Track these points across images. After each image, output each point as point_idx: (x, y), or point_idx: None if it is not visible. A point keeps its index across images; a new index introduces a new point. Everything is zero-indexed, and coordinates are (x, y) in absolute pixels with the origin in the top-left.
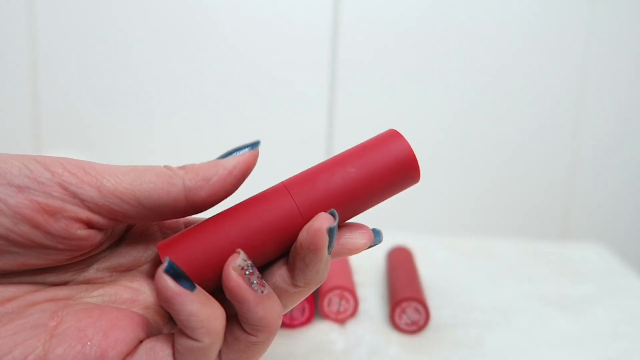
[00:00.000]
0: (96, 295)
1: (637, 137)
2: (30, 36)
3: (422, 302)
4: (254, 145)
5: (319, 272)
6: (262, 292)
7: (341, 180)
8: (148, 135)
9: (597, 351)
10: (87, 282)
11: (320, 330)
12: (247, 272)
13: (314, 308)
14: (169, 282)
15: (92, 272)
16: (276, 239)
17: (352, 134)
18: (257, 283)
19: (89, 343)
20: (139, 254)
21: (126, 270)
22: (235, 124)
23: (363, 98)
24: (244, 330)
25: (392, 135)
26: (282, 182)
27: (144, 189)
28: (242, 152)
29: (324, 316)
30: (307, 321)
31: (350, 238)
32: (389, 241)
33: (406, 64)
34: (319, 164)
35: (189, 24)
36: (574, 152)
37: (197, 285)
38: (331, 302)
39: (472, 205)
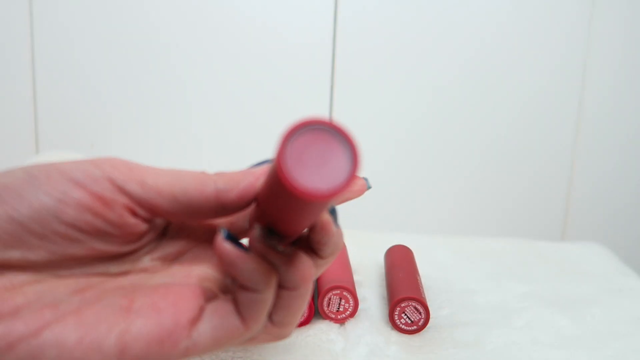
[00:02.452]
0: (156, 278)
1: (637, 137)
2: (30, 36)
3: (422, 302)
4: None
5: (338, 243)
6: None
7: None
8: (147, 135)
9: (596, 351)
10: (145, 271)
11: (320, 330)
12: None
13: (313, 308)
14: (229, 247)
15: (146, 262)
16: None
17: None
18: (281, 245)
19: (163, 314)
20: (182, 245)
21: (174, 259)
22: (235, 124)
23: (363, 98)
24: (285, 287)
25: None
26: None
27: (180, 187)
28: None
29: (324, 316)
30: (306, 321)
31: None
32: (389, 241)
33: (406, 63)
34: None
35: (189, 23)
36: (574, 152)
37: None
38: (331, 301)
39: (472, 205)
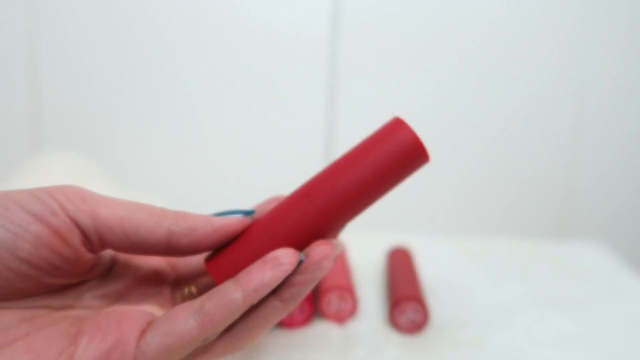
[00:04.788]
0: (102, 313)
1: (637, 137)
2: (31, 36)
3: (422, 302)
4: (248, 213)
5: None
6: None
7: (353, 180)
8: (147, 136)
9: (596, 351)
10: (88, 307)
11: (320, 330)
12: None
13: (313, 308)
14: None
15: (88, 299)
16: (304, 239)
17: (352, 134)
18: None
19: (108, 330)
20: (127, 284)
21: (119, 297)
22: (235, 124)
23: (363, 98)
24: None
25: (396, 125)
26: (302, 188)
27: (132, 224)
28: (234, 216)
29: (324, 316)
30: (306, 321)
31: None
32: (389, 241)
33: (406, 61)
34: (332, 164)
35: (188, 24)
36: (574, 152)
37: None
38: (331, 301)
39: (472, 205)
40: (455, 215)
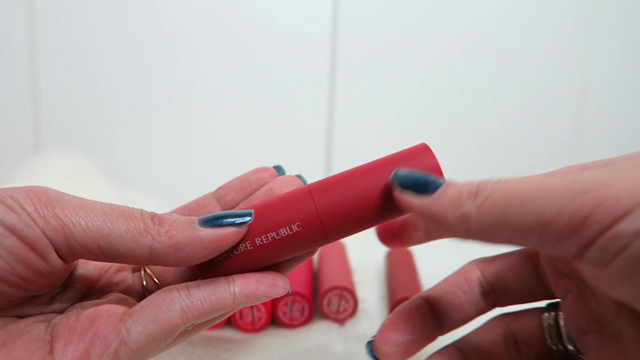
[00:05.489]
0: (72, 315)
1: (636, 135)
2: (30, 36)
3: None
4: (245, 219)
5: None
6: None
7: (363, 189)
8: (147, 136)
9: None
10: (57, 311)
11: (320, 330)
12: None
13: (313, 308)
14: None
15: (56, 303)
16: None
17: (351, 134)
18: None
19: (82, 331)
20: (90, 278)
21: (85, 294)
22: (235, 122)
23: (363, 97)
24: None
25: (422, 150)
26: (306, 187)
27: (108, 242)
28: (227, 227)
29: (324, 316)
30: (306, 321)
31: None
32: None
33: (407, 59)
34: (345, 172)
35: (188, 25)
36: (574, 152)
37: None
38: (331, 302)
39: None
40: None
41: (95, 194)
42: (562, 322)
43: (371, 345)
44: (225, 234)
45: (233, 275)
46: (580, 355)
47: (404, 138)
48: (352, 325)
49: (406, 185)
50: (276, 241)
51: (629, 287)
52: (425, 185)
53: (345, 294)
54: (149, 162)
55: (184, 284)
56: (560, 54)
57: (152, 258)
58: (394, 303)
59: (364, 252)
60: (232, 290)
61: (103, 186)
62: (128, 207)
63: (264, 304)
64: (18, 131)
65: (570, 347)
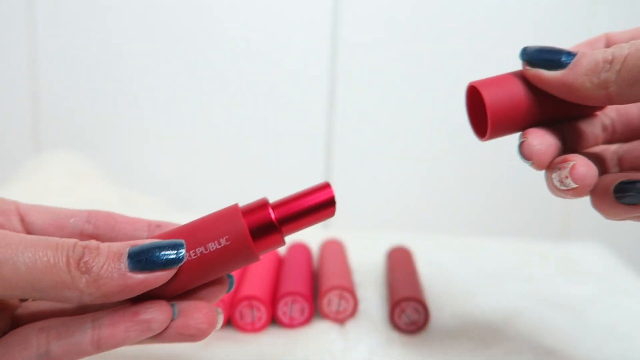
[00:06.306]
0: None
1: None
2: (30, 37)
3: (422, 302)
4: (177, 259)
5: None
6: None
7: None
8: (147, 137)
9: (597, 351)
10: None
11: (320, 330)
12: None
13: (313, 308)
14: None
15: None
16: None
17: (351, 134)
18: None
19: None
20: None
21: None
22: (235, 124)
23: (364, 98)
24: None
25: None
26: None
27: (36, 296)
28: (157, 272)
29: (324, 316)
30: (306, 321)
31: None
32: (389, 241)
33: (406, 64)
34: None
35: (188, 24)
36: None
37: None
38: (330, 302)
39: (472, 205)
40: (455, 216)
41: (95, 194)
42: None
43: (520, 147)
44: (156, 278)
45: (101, 320)
46: None
47: (404, 138)
48: (352, 325)
49: (537, 61)
50: (205, 256)
51: None
52: (557, 59)
53: (345, 294)
54: (149, 162)
55: (45, 330)
56: None
57: (82, 307)
58: (393, 303)
59: (364, 252)
60: (95, 340)
61: (103, 186)
62: (52, 251)
63: (263, 304)
64: (18, 132)
65: None
